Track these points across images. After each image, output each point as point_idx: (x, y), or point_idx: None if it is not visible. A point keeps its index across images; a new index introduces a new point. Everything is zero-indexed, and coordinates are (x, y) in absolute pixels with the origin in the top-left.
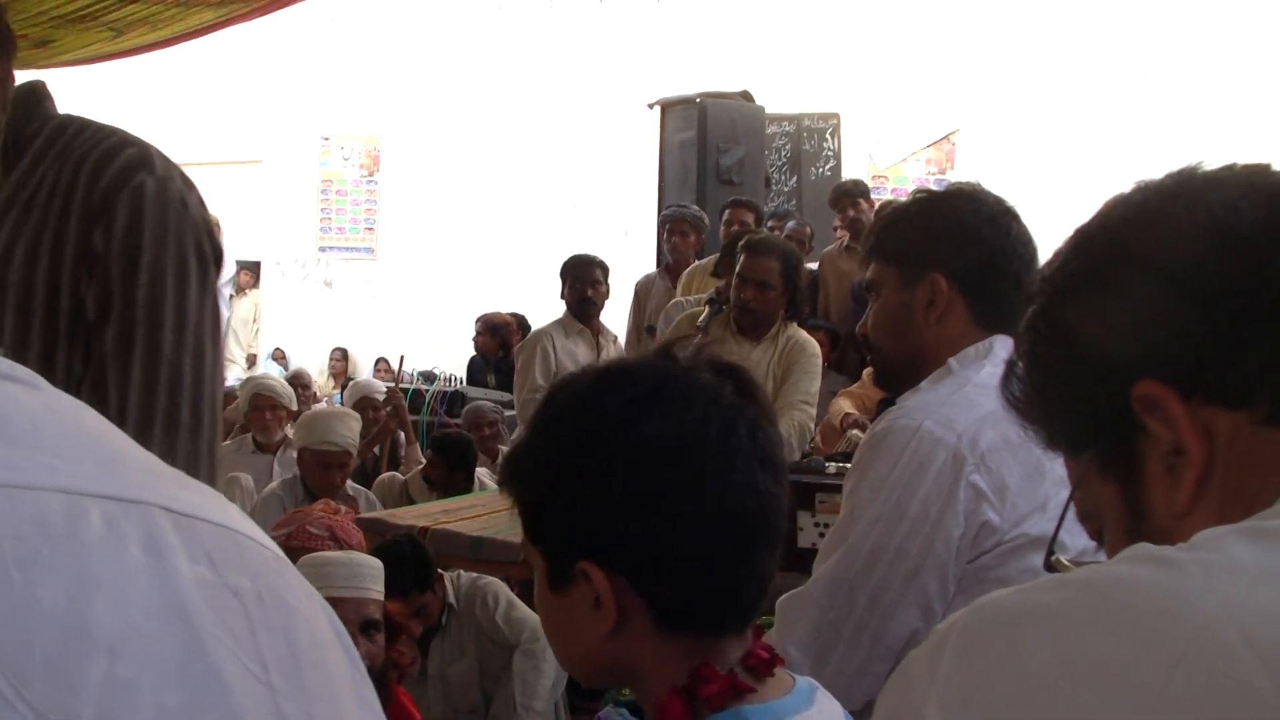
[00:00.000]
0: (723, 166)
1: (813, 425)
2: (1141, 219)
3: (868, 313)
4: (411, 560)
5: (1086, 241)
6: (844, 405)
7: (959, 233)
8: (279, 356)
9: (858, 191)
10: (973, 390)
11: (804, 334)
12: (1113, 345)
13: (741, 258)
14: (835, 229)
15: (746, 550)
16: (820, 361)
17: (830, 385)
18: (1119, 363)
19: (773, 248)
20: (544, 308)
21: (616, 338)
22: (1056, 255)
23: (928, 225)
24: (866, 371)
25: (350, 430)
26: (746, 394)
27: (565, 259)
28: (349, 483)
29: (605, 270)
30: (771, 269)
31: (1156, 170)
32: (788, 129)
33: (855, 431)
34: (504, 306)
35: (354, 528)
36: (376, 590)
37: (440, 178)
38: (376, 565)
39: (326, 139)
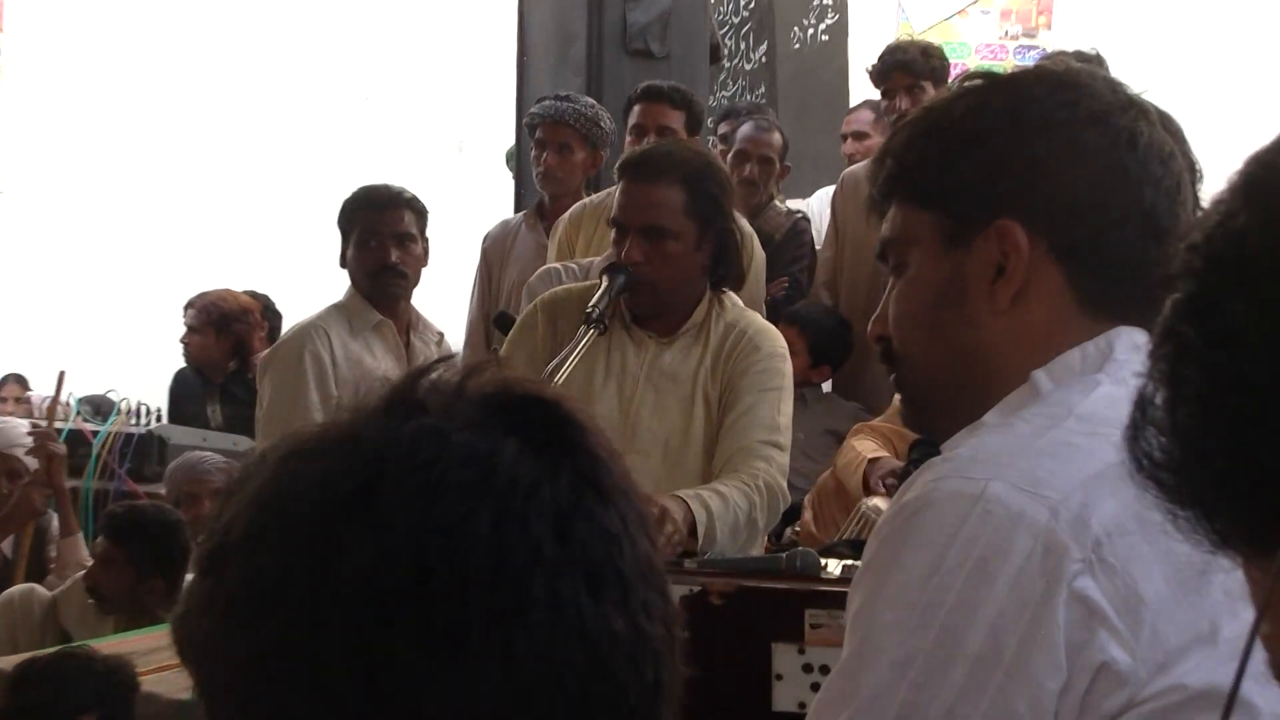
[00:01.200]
0: (634, 26)
1: (784, 481)
2: None
3: (886, 296)
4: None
5: (1264, 180)
6: (865, 447)
7: (1047, 148)
8: None
9: (926, 67)
10: (1076, 427)
11: (753, 317)
12: None
13: (617, 191)
14: (850, 140)
15: None
16: (789, 364)
17: (833, 421)
18: None
19: (664, 163)
20: (311, 283)
21: (442, 336)
22: (1215, 206)
23: (991, 137)
24: (896, 399)
25: None
26: (552, 454)
27: (348, 195)
28: None
29: (422, 214)
30: (666, 202)
31: None
32: None
33: (872, 502)
34: (237, 281)
35: None
36: None
37: (115, 47)
38: None
39: None
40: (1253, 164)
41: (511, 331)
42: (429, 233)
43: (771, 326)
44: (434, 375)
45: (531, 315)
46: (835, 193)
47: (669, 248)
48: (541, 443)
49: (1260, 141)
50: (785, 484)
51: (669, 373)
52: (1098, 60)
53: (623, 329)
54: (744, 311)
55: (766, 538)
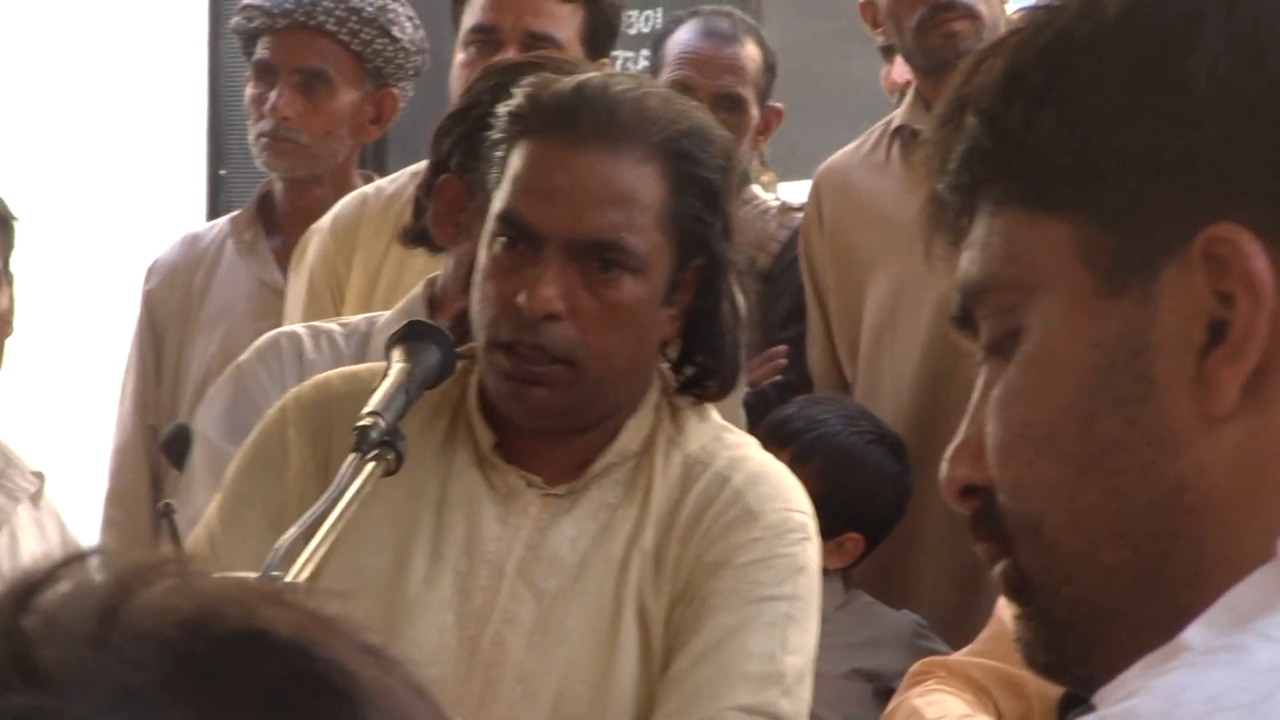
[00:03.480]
0: None
1: None
2: None
3: (974, 403)
4: None
5: None
6: (947, 710)
7: (1266, 91)
8: None
9: None
10: None
11: (740, 446)
12: None
13: (520, 159)
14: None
15: None
16: (814, 549)
17: (870, 649)
18: None
19: (625, 112)
20: None
21: (41, 483)
22: None
23: (1186, 58)
24: (1001, 607)
25: None
26: None
27: None
28: None
29: (4, 226)
30: (628, 196)
31: None
32: None
33: None
34: None
35: None
36: None
37: None
38: None
39: None
40: None
41: (235, 466)
42: (22, 268)
43: (781, 468)
44: (53, 594)
45: (274, 428)
46: (815, 188)
47: (625, 291)
48: None
49: None
50: None
51: (568, 563)
52: None
53: (471, 463)
54: (722, 433)
55: None
